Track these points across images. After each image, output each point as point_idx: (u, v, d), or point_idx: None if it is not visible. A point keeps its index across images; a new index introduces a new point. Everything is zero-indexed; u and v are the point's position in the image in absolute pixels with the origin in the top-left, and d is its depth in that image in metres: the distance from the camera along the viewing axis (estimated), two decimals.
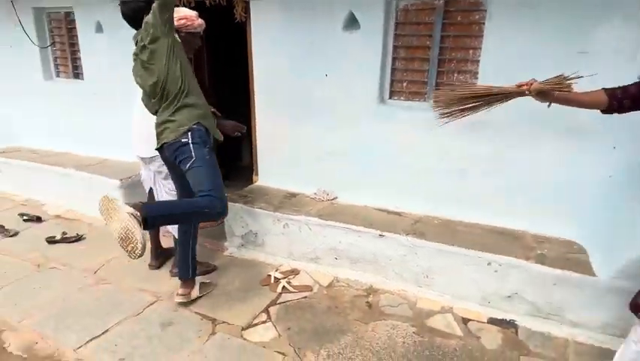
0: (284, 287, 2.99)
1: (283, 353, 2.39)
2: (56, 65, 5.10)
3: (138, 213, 2.12)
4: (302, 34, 3.39)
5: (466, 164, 3.12)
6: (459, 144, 3.09)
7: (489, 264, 2.68)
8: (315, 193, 3.61)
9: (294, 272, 3.21)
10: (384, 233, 2.97)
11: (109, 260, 3.45)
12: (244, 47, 3.76)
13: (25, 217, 4.15)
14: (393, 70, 3.29)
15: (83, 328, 2.61)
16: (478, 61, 2.98)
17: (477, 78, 3.01)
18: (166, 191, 3.00)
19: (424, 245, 2.86)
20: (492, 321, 2.66)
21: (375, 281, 3.06)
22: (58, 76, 5.12)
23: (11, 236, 3.83)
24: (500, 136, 2.96)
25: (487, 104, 2.21)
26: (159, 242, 3.33)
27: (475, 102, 2.23)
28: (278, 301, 2.88)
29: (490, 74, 2.89)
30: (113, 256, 3.50)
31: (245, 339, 2.52)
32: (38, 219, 4.15)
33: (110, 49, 4.36)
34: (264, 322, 2.67)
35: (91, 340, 2.51)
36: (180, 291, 2.83)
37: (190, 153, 2.40)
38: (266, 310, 2.78)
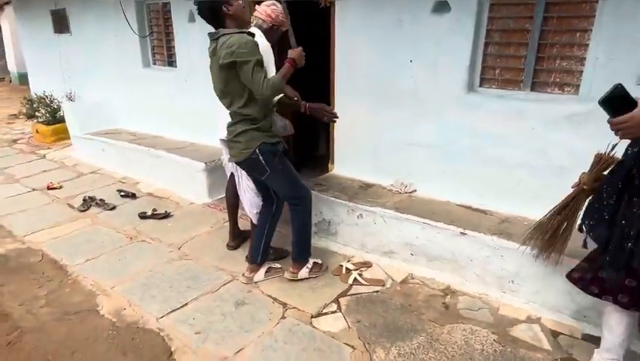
0: (355, 279, 2.92)
1: (352, 346, 2.33)
2: (153, 54, 5.48)
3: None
4: (388, 18, 3.26)
5: (565, 161, 2.79)
6: (557, 139, 2.78)
7: None
8: (392, 185, 3.48)
9: (367, 265, 3.12)
10: (466, 231, 2.77)
11: (192, 237, 3.64)
12: (328, 31, 3.71)
13: (122, 193, 4.53)
14: (485, 56, 3.04)
15: (165, 299, 2.77)
16: (587, 45, 2.63)
17: (584, 65, 2.66)
18: (246, 177, 3.06)
19: (511, 247, 2.61)
20: (587, 338, 2.36)
21: (454, 282, 2.87)
22: (155, 64, 5.50)
23: (110, 210, 4.20)
24: (604, 132, 2.59)
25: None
26: (237, 224, 3.43)
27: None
28: (349, 293, 2.83)
29: (602, 60, 2.54)
30: (196, 233, 3.69)
31: (314, 327, 2.50)
32: (133, 196, 4.50)
33: (201, 38, 4.55)
34: (333, 312, 2.63)
35: (171, 311, 2.66)
36: (246, 273, 2.95)
37: (263, 167, 2.61)
38: (336, 301, 2.74)
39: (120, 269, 3.14)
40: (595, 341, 2.33)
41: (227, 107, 2.62)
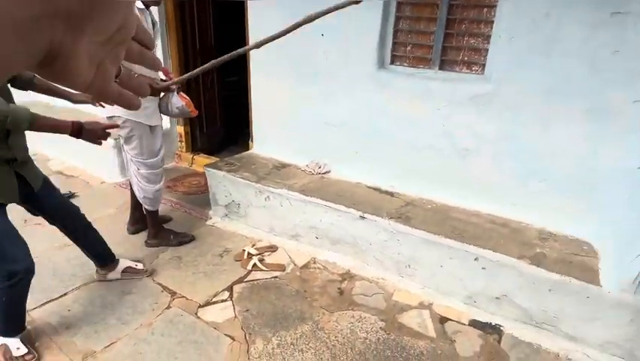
0: (255, 265, 2.79)
1: (232, 337, 2.22)
2: None
3: None
4: None
5: (471, 143, 2.72)
6: (465, 121, 2.69)
7: (476, 259, 2.33)
8: (307, 165, 3.34)
9: (272, 249, 3.00)
10: (365, 215, 2.67)
11: (93, 220, 3.36)
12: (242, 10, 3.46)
13: None
14: (396, 31, 2.89)
15: (44, 289, 2.56)
16: (492, 22, 2.52)
17: (489, 42, 2.56)
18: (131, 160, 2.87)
19: (406, 232, 2.54)
20: (474, 324, 2.34)
21: (354, 266, 2.80)
22: None
23: None
24: (511, 113, 2.54)
25: None
26: (139, 208, 3.21)
27: None
28: (246, 279, 2.70)
29: (504, 39, 2.44)
30: (98, 216, 3.44)
31: (198, 317, 2.37)
32: None
33: None
34: (224, 300, 2.51)
35: (47, 302, 2.46)
36: (100, 271, 2.64)
37: None
38: (229, 288, 2.61)
39: None
40: (480, 326, 2.31)
41: None
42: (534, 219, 2.60)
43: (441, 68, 2.79)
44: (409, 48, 2.90)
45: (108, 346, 2.16)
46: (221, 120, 4.92)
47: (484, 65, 2.64)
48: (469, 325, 2.33)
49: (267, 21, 3.28)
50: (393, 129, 2.96)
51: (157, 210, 3.02)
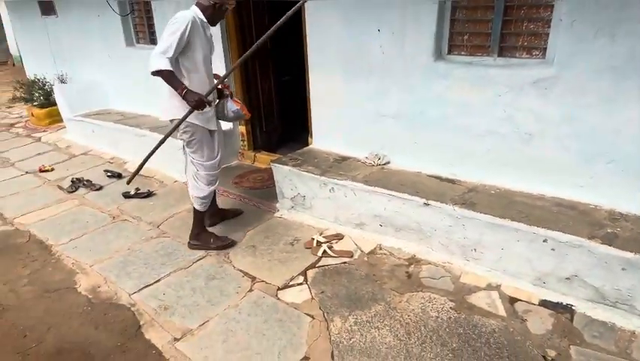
0: (324, 251, 2.98)
1: (312, 316, 2.41)
2: (136, 32, 5.45)
3: None
4: None
5: (534, 127, 2.75)
6: (527, 105, 2.72)
7: (545, 241, 2.38)
8: (367, 157, 3.48)
9: (338, 237, 3.17)
10: (429, 202, 2.77)
11: (172, 215, 3.73)
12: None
13: (108, 174, 4.63)
14: (452, 21, 2.96)
15: (140, 276, 2.88)
16: (552, 5, 2.54)
17: (549, 27, 2.58)
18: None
19: (472, 216, 2.62)
20: (544, 304, 2.39)
21: (419, 251, 2.91)
22: (138, 42, 5.49)
23: (97, 190, 4.31)
24: (575, 96, 2.54)
25: None
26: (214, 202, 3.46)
27: None
28: (317, 265, 2.89)
29: (565, 23, 2.45)
30: (176, 211, 3.78)
31: (278, 298, 2.58)
32: (119, 176, 4.59)
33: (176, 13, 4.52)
34: (300, 284, 2.71)
35: (144, 287, 2.77)
36: None
37: None
38: (304, 273, 2.81)
39: (101, 248, 3.25)
40: (551, 306, 2.36)
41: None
42: (603, 201, 2.59)
43: (500, 55, 2.83)
44: (466, 37, 2.96)
45: (202, 324, 2.42)
46: (279, 119, 5.15)
47: (545, 50, 2.66)
48: (539, 305, 2.39)
49: (323, 25, 3.44)
50: (453, 117, 3.03)
51: (204, 213, 3.16)
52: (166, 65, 2.59)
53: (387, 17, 3.10)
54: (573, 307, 2.33)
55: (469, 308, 2.39)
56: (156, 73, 2.62)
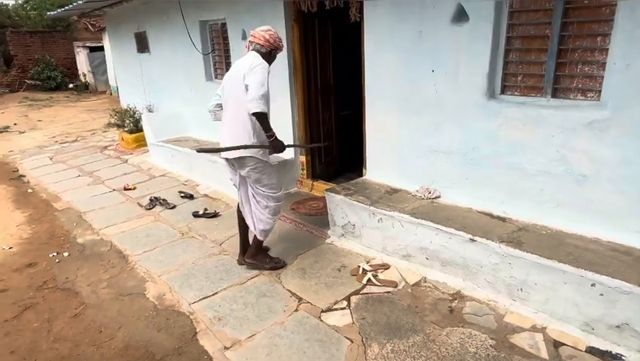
0: (369, 280, 3.09)
1: (351, 340, 2.52)
2: (215, 69, 6.06)
3: None
4: (410, 29, 3.38)
5: (588, 169, 2.71)
6: (581, 146, 2.71)
7: (593, 285, 2.32)
8: (417, 191, 3.58)
9: (384, 266, 3.27)
10: (475, 238, 2.81)
11: (233, 235, 4.04)
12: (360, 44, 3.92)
13: (182, 194, 5.12)
14: (506, 63, 3.04)
15: (200, 288, 3.18)
16: (607, 49, 2.55)
17: (604, 70, 2.58)
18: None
19: (518, 255, 2.61)
20: (591, 351, 2.30)
21: (464, 287, 2.92)
22: (216, 78, 6.08)
23: (170, 209, 4.78)
24: (632, 138, 2.50)
25: None
26: (248, 240, 3.48)
27: None
28: (361, 292, 3.00)
29: (619, 66, 2.45)
30: (237, 232, 4.07)
31: (321, 320, 2.73)
32: (191, 197, 5.06)
33: None
34: (342, 308, 2.83)
35: (203, 298, 3.05)
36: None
37: None
38: (347, 298, 2.93)
39: (169, 261, 3.62)
40: (599, 354, 2.28)
41: None
42: None
43: (554, 96, 2.86)
44: (519, 78, 3.02)
45: (250, 336, 2.62)
46: (338, 150, 5.40)
47: (599, 92, 2.65)
48: (585, 351, 2.31)
49: (381, 64, 3.67)
50: (505, 155, 3.07)
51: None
52: (264, 109, 2.85)
53: (441, 59, 3.25)
54: (623, 358, 2.23)
55: (510, 348, 2.37)
56: (257, 114, 2.83)
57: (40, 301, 3.15)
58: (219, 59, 5.92)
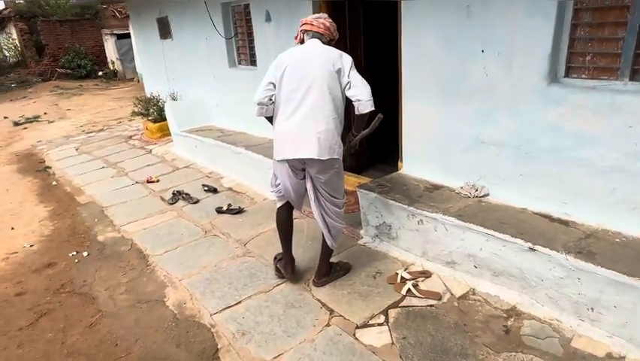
0: (409, 290, 2.75)
1: None
2: (238, 54, 5.75)
3: None
4: (455, 3, 2.95)
5: None
6: None
7: None
8: (462, 188, 3.18)
9: (425, 274, 2.92)
10: (535, 247, 2.41)
11: (259, 234, 3.78)
12: (395, 26, 3.50)
13: (205, 188, 4.88)
14: (572, 40, 2.59)
15: (223, 295, 2.92)
16: None
17: None
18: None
19: (590, 270, 2.21)
20: None
21: (521, 302, 2.54)
22: (240, 63, 5.77)
23: (193, 203, 4.55)
24: None
25: None
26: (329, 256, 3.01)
27: None
28: (400, 305, 2.67)
29: None
30: (263, 230, 3.82)
31: (356, 338, 2.42)
32: (214, 191, 4.82)
33: (275, 36, 4.66)
34: (380, 324, 2.52)
35: (225, 308, 2.79)
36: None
37: None
38: (385, 312, 2.61)
39: (191, 263, 3.38)
40: None
41: None
42: None
43: (632, 79, 2.40)
44: (588, 58, 2.56)
45: (276, 357, 2.35)
46: (368, 140, 5.01)
47: None
48: None
49: (420, 44, 3.26)
50: (568, 149, 2.63)
51: None
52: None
53: (493, 37, 2.82)
54: None
55: None
56: (366, 112, 2.62)
57: (56, 308, 2.98)
58: (242, 44, 5.59)
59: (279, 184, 2.87)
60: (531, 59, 2.67)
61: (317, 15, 2.75)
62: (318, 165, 2.62)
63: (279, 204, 2.99)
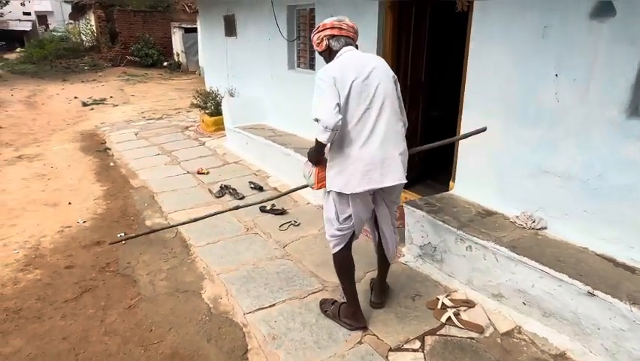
0: (449, 318, 2.61)
1: None
2: (298, 57, 5.79)
3: None
4: (531, 22, 2.79)
5: None
6: None
7: None
8: (518, 217, 3.00)
9: (469, 304, 2.77)
10: (595, 292, 2.21)
11: (299, 237, 3.76)
12: (463, 39, 3.37)
13: (252, 185, 4.94)
14: None
15: (258, 295, 2.91)
16: None
17: None
18: None
19: None
20: None
21: (572, 349, 2.34)
22: (298, 66, 5.81)
23: (239, 199, 4.61)
24: None
25: None
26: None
27: None
28: (438, 332, 2.54)
29: None
30: (303, 234, 3.80)
31: None
32: (260, 189, 4.87)
33: None
34: (415, 350, 2.40)
35: (259, 309, 2.78)
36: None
37: None
38: (421, 338, 2.49)
39: (230, 258, 3.42)
40: None
41: None
42: None
43: None
44: None
45: None
46: (420, 155, 4.88)
47: None
48: None
49: (488, 61, 3.11)
50: None
51: None
52: None
53: (569, 62, 2.64)
54: None
55: None
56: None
57: (99, 285, 3.10)
58: (303, 47, 5.63)
59: (348, 218, 2.39)
60: (611, 89, 2.47)
61: (338, 17, 2.46)
62: (400, 188, 2.44)
63: (339, 247, 2.48)
